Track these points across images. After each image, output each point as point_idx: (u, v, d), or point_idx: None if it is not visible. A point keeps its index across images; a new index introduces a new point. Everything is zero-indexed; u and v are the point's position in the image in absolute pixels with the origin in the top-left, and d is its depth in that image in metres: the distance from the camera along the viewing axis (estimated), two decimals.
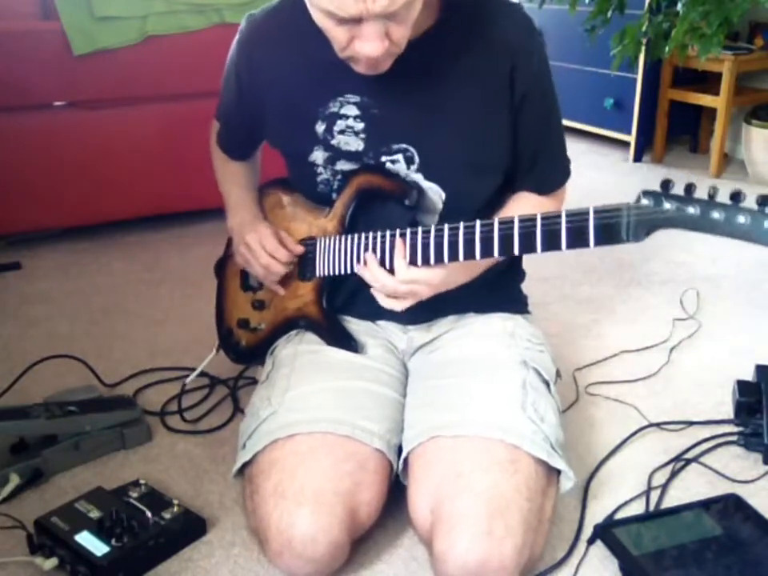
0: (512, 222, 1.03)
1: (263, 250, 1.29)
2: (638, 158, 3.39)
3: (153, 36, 2.30)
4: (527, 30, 1.18)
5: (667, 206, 0.92)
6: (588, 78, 3.41)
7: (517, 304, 1.40)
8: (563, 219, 0.99)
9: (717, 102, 3.07)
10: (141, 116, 2.41)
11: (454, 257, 1.08)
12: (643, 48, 2.82)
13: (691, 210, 0.91)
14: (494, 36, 1.16)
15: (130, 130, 2.40)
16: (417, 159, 1.19)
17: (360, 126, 1.20)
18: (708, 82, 3.22)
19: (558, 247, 1.00)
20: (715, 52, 2.36)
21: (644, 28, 2.74)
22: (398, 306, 1.15)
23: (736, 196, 0.89)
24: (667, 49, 2.61)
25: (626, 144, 3.43)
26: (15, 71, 2.19)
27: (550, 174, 1.30)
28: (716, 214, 0.90)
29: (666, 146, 3.41)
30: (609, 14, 2.75)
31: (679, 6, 2.47)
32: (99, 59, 2.26)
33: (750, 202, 0.89)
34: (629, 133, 3.36)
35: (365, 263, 1.16)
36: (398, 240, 1.12)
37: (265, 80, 1.25)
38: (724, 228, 0.90)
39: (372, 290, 1.16)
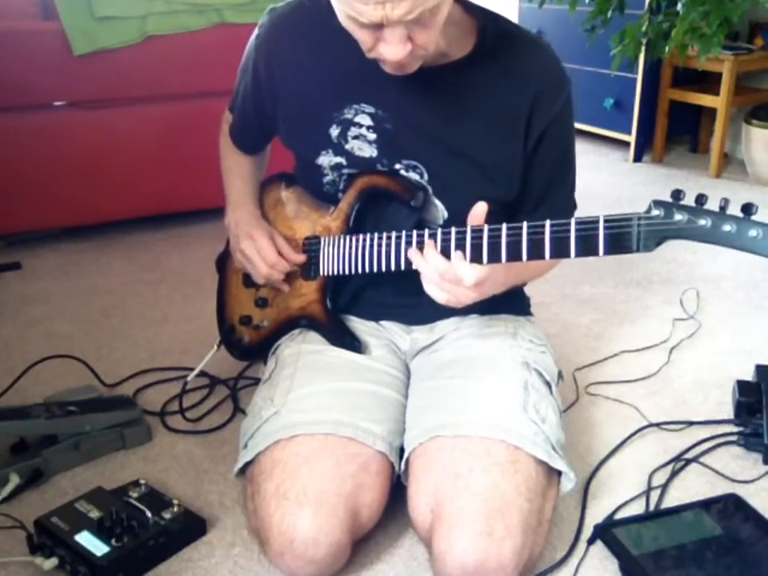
0: (521, 228, 1.03)
1: (262, 261, 1.28)
2: (637, 158, 3.39)
3: (153, 36, 2.30)
4: (554, 71, 1.19)
5: (678, 217, 0.92)
6: (588, 77, 3.41)
7: (519, 306, 1.40)
8: (573, 227, 0.99)
9: (717, 101, 3.07)
10: (141, 116, 2.41)
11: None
12: (643, 48, 2.82)
13: (702, 221, 0.91)
14: (520, 73, 1.16)
15: (130, 129, 2.40)
16: (426, 176, 1.20)
17: (372, 136, 1.19)
18: (708, 81, 3.22)
19: (566, 255, 1.00)
20: (715, 52, 2.36)
21: (644, 28, 2.74)
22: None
23: (747, 208, 0.88)
24: (667, 49, 2.62)
25: (626, 144, 3.43)
26: (15, 71, 2.19)
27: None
28: (727, 227, 0.90)
29: (665, 146, 3.41)
30: (609, 14, 2.75)
31: (679, 6, 2.47)
32: (99, 59, 2.25)
33: (762, 214, 0.88)
34: (629, 133, 3.36)
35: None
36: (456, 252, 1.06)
37: (281, 76, 1.23)
38: (735, 241, 0.90)
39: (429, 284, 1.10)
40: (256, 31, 1.26)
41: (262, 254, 1.28)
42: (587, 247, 0.98)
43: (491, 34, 1.16)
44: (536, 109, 1.17)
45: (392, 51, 0.99)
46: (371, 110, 1.19)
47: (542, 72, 1.17)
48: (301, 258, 1.29)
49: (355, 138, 1.20)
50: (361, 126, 1.19)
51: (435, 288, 1.08)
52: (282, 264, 1.28)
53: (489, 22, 1.17)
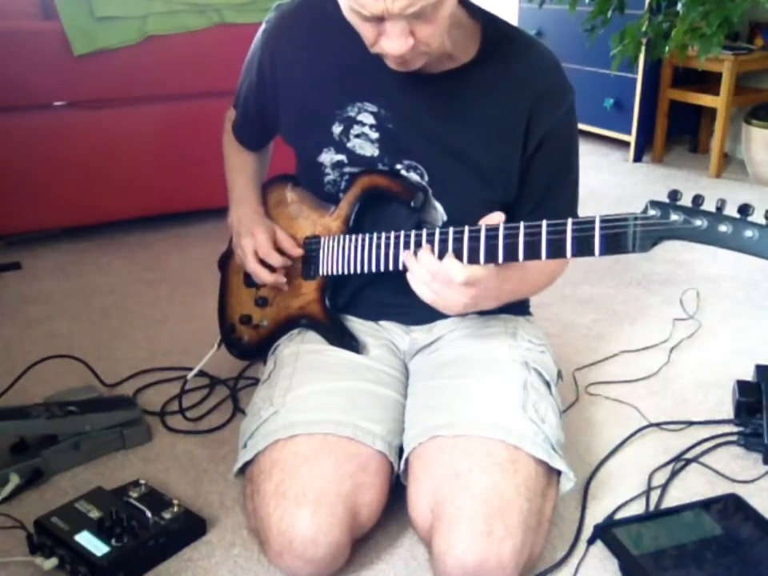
0: (517, 228, 1.03)
1: (255, 258, 1.29)
2: (637, 158, 3.39)
3: (153, 36, 2.30)
4: (553, 74, 1.19)
5: (674, 217, 0.92)
6: (588, 78, 3.41)
7: (519, 306, 1.39)
8: (569, 228, 0.99)
9: (717, 101, 3.07)
10: (141, 116, 2.41)
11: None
12: (643, 48, 2.82)
13: (698, 222, 0.91)
14: (519, 76, 1.16)
15: (130, 129, 2.40)
16: (426, 177, 1.20)
17: (375, 135, 1.20)
18: (708, 81, 3.22)
19: (563, 255, 1.00)
20: (715, 52, 2.36)
21: (644, 28, 2.74)
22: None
23: (744, 209, 0.88)
24: (667, 49, 2.61)
25: (626, 144, 3.43)
26: (15, 71, 2.19)
27: None
28: (723, 227, 0.90)
29: (665, 146, 3.41)
30: (609, 14, 2.75)
31: (679, 6, 2.47)
32: (99, 59, 2.26)
33: (758, 215, 0.88)
34: (629, 133, 3.36)
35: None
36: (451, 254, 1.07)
37: (286, 73, 1.24)
38: (731, 242, 0.90)
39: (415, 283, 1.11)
40: (263, 26, 1.27)
41: (257, 248, 1.29)
42: (583, 247, 0.98)
43: (492, 38, 1.16)
44: (535, 113, 1.17)
45: (393, 45, 0.99)
46: (374, 108, 1.19)
47: (540, 75, 1.17)
48: (299, 251, 1.30)
49: (357, 136, 1.20)
50: (364, 124, 1.20)
51: (423, 286, 1.08)
52: (274, 256, 1.28)
53: (489, 25, 1.17)
